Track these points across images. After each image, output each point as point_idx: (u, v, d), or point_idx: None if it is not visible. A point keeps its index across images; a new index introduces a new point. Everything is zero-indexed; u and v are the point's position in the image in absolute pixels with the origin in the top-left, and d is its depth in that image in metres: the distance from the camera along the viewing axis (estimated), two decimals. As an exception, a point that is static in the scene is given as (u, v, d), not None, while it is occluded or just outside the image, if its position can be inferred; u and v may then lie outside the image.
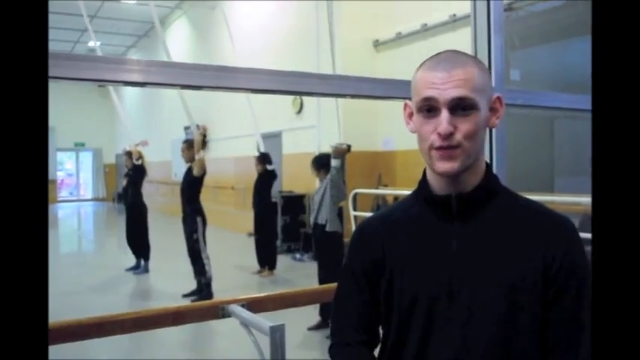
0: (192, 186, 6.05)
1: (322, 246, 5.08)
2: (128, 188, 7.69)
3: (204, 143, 6.50)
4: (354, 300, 1.20)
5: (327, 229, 4.87)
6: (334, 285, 1.31)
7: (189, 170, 6.07)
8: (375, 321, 1.20)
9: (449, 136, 1.02)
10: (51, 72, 1.24)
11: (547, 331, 1.05)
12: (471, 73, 1.04)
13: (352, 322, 1.20)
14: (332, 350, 1.23)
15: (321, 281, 4.79)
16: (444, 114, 1.02)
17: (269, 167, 7.13)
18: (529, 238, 1.07)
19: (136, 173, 7.59)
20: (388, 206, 1.33)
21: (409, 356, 1.11)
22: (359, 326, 1.20)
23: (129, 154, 7.65)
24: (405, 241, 1.14)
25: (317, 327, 4.80)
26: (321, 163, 5.08)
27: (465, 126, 1.03)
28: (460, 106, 1.03)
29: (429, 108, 1.05)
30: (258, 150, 7.29)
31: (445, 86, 1.02)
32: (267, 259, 7.30)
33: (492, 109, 1.10)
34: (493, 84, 1.39)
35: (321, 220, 4.91)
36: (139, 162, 7.53)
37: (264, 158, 7.14)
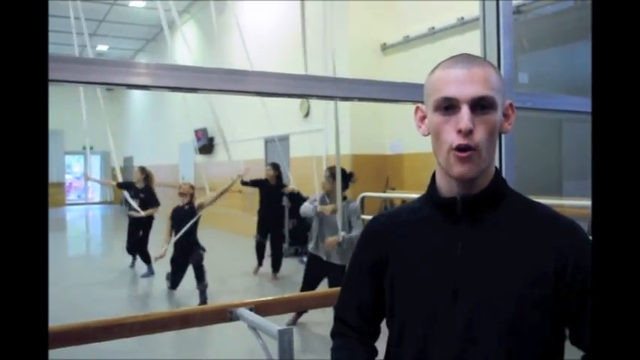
0: (191, 219, 5.84)
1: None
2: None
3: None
4: (356, 293, 1.24)
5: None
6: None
7: (189, 208, 5.89)
8: (376, 314, 1.23)
9: (469, 133, 1.01)
10: (59, 75, 1.24)
11: (563, 340, 1.04)
12: (490, 73, 1.05)
13: (353, 313, 1.25)
14: (334, 341, 1.28)
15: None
16: (465, 110, 1.01)
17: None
18: (539, 244, 1.05)
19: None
20: (398, 206, 1.33)
21: (410, 355, 1.11)
22: (359, 317, 1.24)
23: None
24: (410, 242, 1.14)
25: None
26: (344, 178, 4.55)
27: (483, 125, 1.03)
28: (480, 105, 1.02)
29: (447, 106, 1.04)
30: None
31: (465, 83, 1.02)
32: (274, 263, 7.30)
33: (504, 115, 1.10)
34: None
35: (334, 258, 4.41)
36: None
37: (277, 167, 7.25)
